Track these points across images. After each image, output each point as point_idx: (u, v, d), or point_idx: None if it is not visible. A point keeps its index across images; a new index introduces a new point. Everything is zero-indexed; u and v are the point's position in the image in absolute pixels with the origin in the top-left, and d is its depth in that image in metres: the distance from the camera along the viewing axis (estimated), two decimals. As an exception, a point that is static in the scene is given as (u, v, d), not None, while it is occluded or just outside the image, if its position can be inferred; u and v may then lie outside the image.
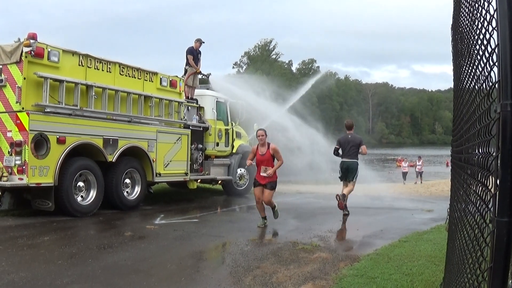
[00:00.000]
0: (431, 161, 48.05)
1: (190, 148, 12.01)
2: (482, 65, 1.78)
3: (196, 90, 13.24)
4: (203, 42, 13.44)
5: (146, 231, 7.89)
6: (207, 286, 4.90)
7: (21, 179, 8.13)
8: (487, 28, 1.66)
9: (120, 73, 10.12)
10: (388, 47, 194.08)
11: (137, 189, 10.47)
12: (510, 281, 1.58)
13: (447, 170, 33.01)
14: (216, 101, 13.62)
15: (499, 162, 1.39)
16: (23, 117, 8.19)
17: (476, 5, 2.03)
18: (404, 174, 26.35)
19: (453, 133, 4.32)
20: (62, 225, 8.15)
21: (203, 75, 14.21)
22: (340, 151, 10.35)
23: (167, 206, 11.30)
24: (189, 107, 12.46)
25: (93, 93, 9.25)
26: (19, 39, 8.39)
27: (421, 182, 22.98)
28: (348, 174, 10.28)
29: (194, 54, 13.09)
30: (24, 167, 8.11)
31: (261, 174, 8.20)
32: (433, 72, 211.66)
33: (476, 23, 2.02)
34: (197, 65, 13.05)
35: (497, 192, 1.38)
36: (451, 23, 4.18)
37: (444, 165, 40.00)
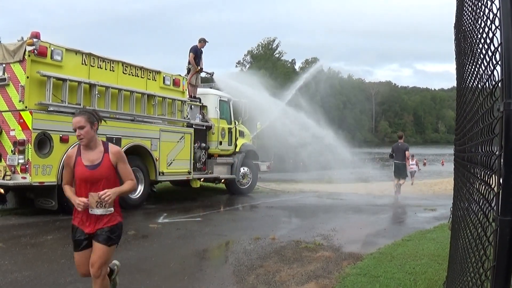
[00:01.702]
0: (433, 160, 47.94)
1: (193, 147, 12.02)
2: (485, 64, 1.77)
3: (199, 89, 13.26)
4: (207, 42, 13.46)
5: (149, 230, 7.90)
6: (210, 285, 4.91)
7: (24, 178, 8.15)
8: (490, 27, 1.65)
9: (123, 72, 10.14)
10: (391, 46, 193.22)
11: (140, 188, 10.48)
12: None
13: (444, 168, 32.98)
14: (219, 100, 13.62)
15: (502, 160, 1.39)
16: (26, 116, 8.21)
17: (479, 3, 2.02)
18: None
19: (456, 132, 4.31)
20: (65, 224, 8.16)
21: (207, 73, 14.22)
22: (394, 155, 14.01)
23: (170, 205, 11.31)
24: (192, 106, 12.47)
25: (96, 92, 9.27)
26: (22, 38, 8.40)
27: (412, 184, 22.01)
28: (399, 172, 13.90)
29: (197, 53, 13.11)
30: (27, 166, 8.13)
31: (90, 211, 3.54)
32: (436, 71, 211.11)
33: (479, 22, 2.01)
34: (198, 64, 13.05)
35: (500, 191, 1.38)
36: (454, 22, 4.17)
37: (440, 164, 40.21)
